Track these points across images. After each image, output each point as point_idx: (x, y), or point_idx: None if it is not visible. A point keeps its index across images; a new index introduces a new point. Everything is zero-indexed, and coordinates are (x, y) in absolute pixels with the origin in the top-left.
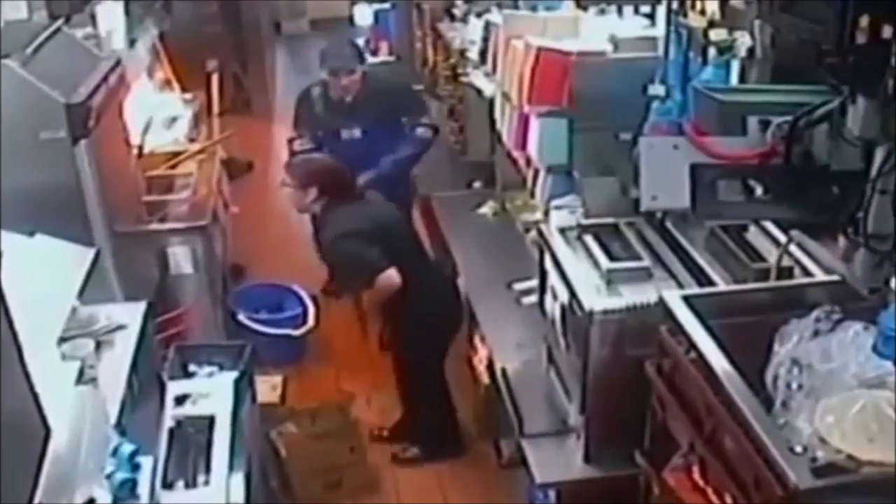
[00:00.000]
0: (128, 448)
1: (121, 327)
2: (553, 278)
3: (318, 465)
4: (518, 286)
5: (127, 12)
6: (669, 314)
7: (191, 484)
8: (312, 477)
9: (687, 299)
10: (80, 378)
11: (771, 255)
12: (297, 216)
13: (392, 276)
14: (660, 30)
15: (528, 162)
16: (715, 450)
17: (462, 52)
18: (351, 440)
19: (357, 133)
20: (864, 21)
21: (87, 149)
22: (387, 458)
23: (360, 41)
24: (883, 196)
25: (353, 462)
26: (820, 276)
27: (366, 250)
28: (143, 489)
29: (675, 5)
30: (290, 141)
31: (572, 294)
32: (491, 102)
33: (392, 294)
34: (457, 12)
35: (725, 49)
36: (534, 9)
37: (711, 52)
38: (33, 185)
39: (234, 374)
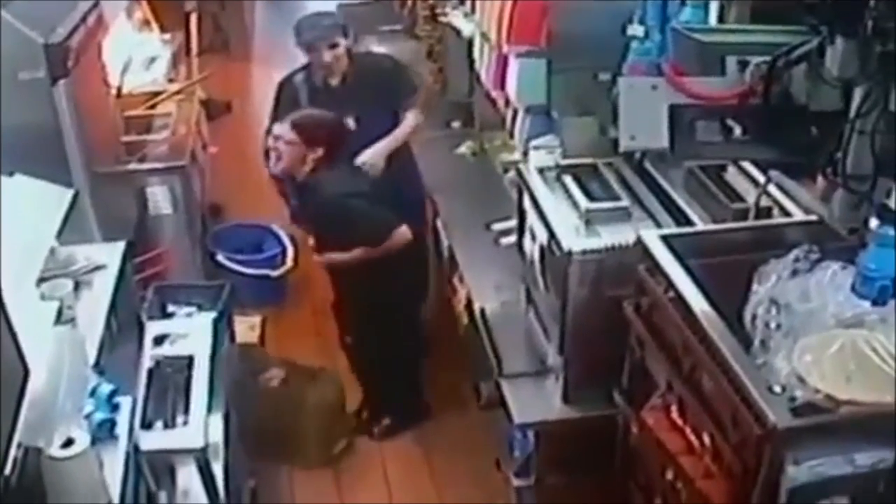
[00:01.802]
0: (106, 388)
1: (99, 267)
2: (532, 219)
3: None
4: (497, 226)
5: None
6: (648, 254)
7: (170, 424)
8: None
9: (665, 239)
10: (59, 318)
11: (749, 195)
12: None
13: (406, 231)
14: None
15: (507, 102)
16: (693, 389)
17: None
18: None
19: (351, 122)
20: None
21: (65, 89)
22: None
23: None
24: (861, 136)
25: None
26: (799, 216)
27: (377, 208)
28: (122, 429)
29: None
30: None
31: (551, 234)
32: (470, 43)
33: (399, 251)
34: None
35: None
36: None
37: None
38: (12, 126)
39: (212, 315)
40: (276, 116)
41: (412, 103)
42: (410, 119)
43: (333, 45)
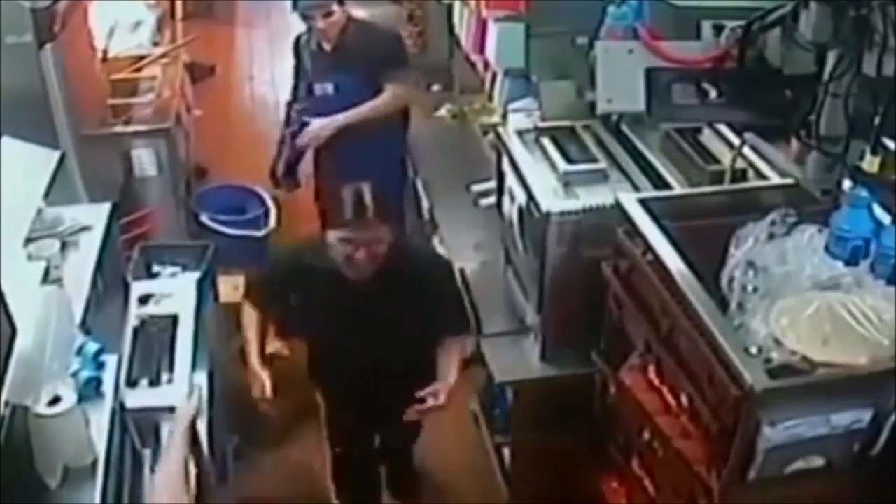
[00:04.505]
0: (92, 347)
1: (86, 228)
2: (511, 180)
3: None
4: (476, 188)
5: None
6: (626, 217)
7: (155, 382)
8: None
9: (643, 202)
10: (46, 278)
11: (725, 157)
12: (263, 119)
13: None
14: None
15: (486, 66)
16: (671, 350)
17: None
18: None
19: (329, 88)
20: None
21: (52, 53)
22: None
23: None
24: (835, 99)
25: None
26: (774, 178)
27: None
28: (108, 387)
29: None
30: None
31: (530, 196)
32: (450, 7)
33: None
34: None
35: None
36: None
37: None
38: None
39: (196, 275)
40: (296, 76)
41: (393, 78)
42: (385, 95)
43: (328, 14)
